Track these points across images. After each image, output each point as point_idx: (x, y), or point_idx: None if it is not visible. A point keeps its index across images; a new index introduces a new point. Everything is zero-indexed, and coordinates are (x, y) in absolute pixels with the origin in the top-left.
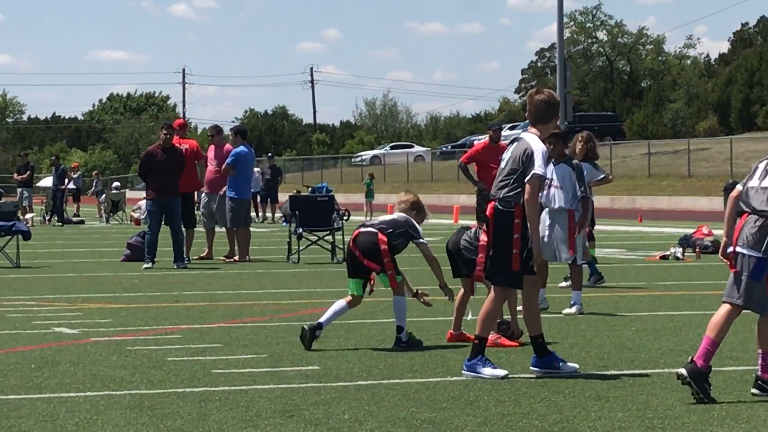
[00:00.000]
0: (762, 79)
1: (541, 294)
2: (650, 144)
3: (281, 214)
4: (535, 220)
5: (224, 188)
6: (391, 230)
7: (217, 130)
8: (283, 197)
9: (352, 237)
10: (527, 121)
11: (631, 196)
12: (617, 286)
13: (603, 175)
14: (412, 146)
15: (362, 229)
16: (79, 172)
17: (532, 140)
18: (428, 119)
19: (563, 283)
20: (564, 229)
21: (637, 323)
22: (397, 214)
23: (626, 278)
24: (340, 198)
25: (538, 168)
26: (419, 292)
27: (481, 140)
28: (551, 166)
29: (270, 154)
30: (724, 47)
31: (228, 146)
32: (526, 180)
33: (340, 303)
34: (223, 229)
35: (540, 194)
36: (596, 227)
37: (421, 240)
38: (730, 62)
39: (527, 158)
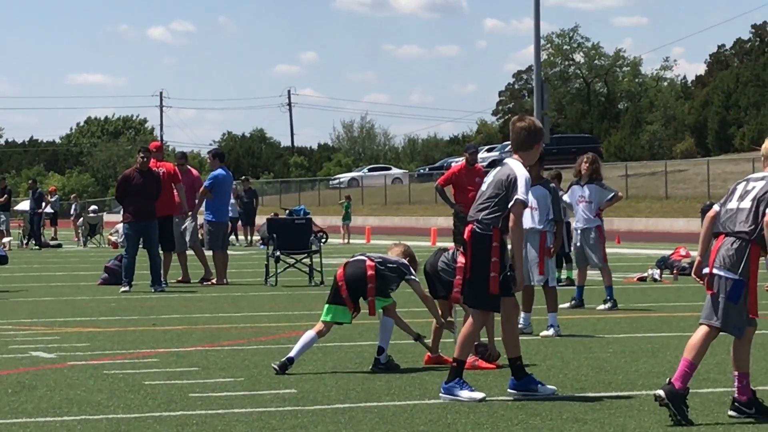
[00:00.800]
0: (738, 100)
1: (526, 318)
2: (627, 166)
3: (258, 237)
4: (519, 246)
5: (186, 211)
6: (381, 260)
7: (184, 157)
8: (260, 220)
9: (343, 265)
10: (505, 143)
11: (609, 217)
12: (594, 308)
13: (613, 193)
14: (389, 168)
15: (351, 259)
16: (57, 196)
17: (516, 166)
18: (406, 141)
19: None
20: (535, 250)
21: (614, 345)
22: (389, 255)
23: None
24: (318, 220)
25: (521, 194)
26: (420, 337)
27: (458, 162)
28: None
29: (245, 177)
30: (701, 69)
31: (194, 172)
32: (509, 205)
33: (309, 334)
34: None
35: None
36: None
37: (413, 277)
38: (707, 84)
39: (510, 184)
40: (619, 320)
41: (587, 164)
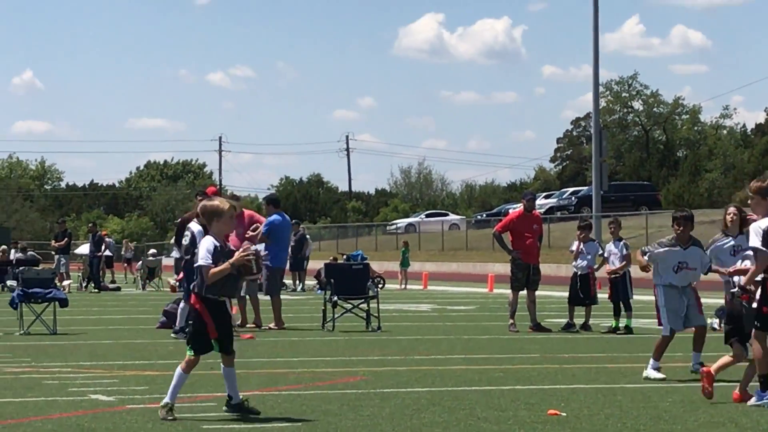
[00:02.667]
0: None
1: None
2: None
3: (314, 282)
4: None
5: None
6: None
7: (235, 199)
8: (317, 265)
9: None
10: (563, 190)
11: None
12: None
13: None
14: (447, 214)
15: None
16: (111, 239)
17: None
18: (463, 187)
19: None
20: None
21: (673, 394)
22: None
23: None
24: (375, 266)
25: None
26: None
27: (516, 209)
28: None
29: (295, 221)
30: (761, 117)
31: (248, 212)
32: None
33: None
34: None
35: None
36: (635, 297)
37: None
38: (767, 132)
39: None
40: (678, 369)
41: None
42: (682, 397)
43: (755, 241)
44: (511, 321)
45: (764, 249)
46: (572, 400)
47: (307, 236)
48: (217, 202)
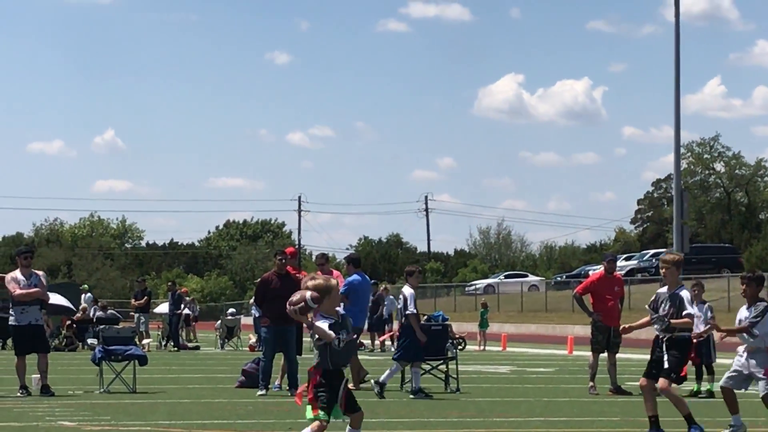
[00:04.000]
0: None
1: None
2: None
3: (390, 342)
4: None
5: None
6: None
7: (325, 258)
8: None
9: None
10: (643, 252)
11: None
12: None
13: None
14: (526, 275)
15: None
16: (189, 298)
17: None
18: (542, 248)
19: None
20: None
21: None
22: None
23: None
24: (454, 326)
25: None
26: None
27: (597, 271)
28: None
29: (374, 282)
30: None
31: (336, 273)
32: None
33: None
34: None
35: None
36: (718, 360)
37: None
38: None
39: None
40: None
41: None
42: None
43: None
44: (591, 384)
45: None
46: None
47: (392, 296)
48: (321, 280)
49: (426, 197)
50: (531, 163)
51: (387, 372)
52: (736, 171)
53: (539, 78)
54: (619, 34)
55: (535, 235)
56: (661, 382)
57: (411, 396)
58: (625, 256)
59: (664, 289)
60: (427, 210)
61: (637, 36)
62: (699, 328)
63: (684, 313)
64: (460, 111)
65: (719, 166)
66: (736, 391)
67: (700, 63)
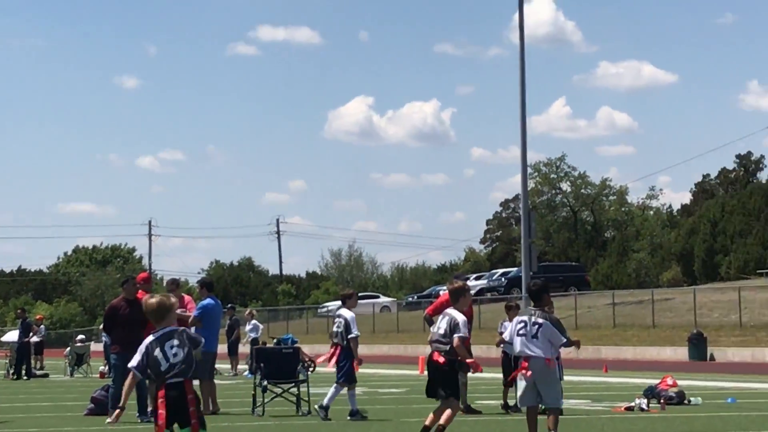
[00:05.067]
0: (725, 229)
1: None
2: (614, 294)
3: (245, 366)
4: None
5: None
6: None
7: (175, 284)
8: (246, 348)
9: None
10: (493, 271)
11: (596, 346)
12: None
13: None
14: (377, 296)
15: None
16: (43, 326)
17: None
18: (394, 269)
19: None
20: None
21: None
22: None
23: (592, 430)
24: (306, 349)
25: None
26: None
27: (446, 291)
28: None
29: (231, 305)
30: (686, 198)
31: (187, 298)
32: None
33: None
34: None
35: None
36: (564, 378)
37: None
38: (693, 213)
39: None
40: None
41: None
42: None
43: None
44: None
45: None
46: None
47: (255, 321)
48: (156, 299)
49: (277, 220)
50: (381, 184)
51: (329, 394)
52: (582, 190)
53: (388, 100)
54: (466, 56)
55: (386, 255)
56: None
57: (348, 418)
58: (474, 275)
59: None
60: (278, 232)
61: (484, 58)
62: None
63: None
64: (311, 133)
65: (565, 186)
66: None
67: (545, 84)
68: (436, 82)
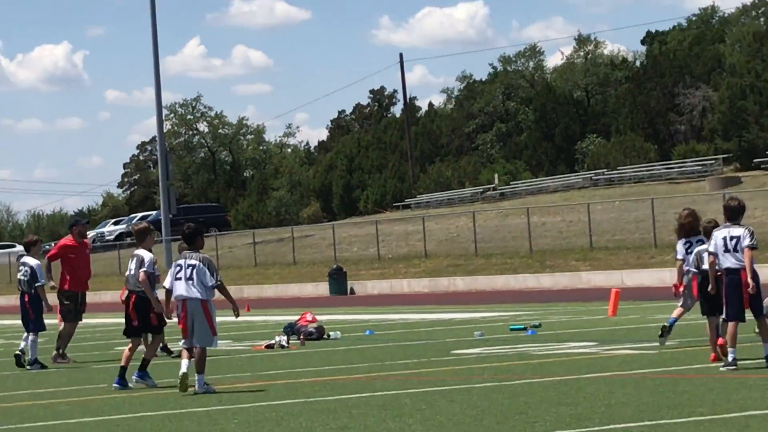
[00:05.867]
0: (361, 164)
1: None
2: (255, 233)
3: None
4: None
5: None
6: None
7: None
8: None
9: None
10: (132, 215)
11: (239, 285)
12: (223, 378)
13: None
14: (14, 246)
15: None
16: None
17: None
18: (30, 217)
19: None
20: None
21: (240, 415)
22: None
23: (232, 369)
24: None
25: None
26: None
27: (67, 236)
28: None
29: None
30: (324, 135)
31: None
32: None
33: None
34: None
35: None
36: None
37: None
38: (330, 149)
39: None
40: (246, 390)
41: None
42: (249, 417)
43: None
44: (56, 353)
45: None
46: (139, 429)
47: None
48: None
49: None
50: (14, 131)
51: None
52: (219, 130)
53: (18, 43)
54: None
55: (22, 204)
56: None
57: (28, 367)
58: (113, 220)
59: None
60: None
61: None
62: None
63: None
64: None
65: (203, 126)
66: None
67: (178, 24)
68: (65, 23)
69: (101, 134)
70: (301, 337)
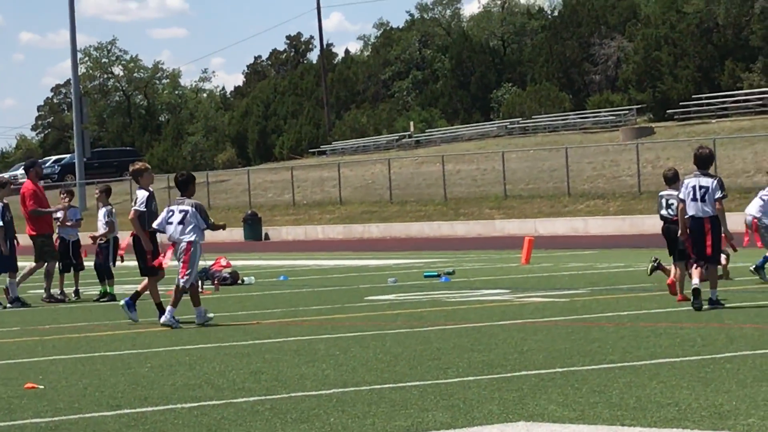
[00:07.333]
0: (277, 110)
1: None
2: (170, 178)
3: None
4: None
5: None
6: None
7: None
8: None
9: None
10: (46, 158)
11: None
12: (139, 323)
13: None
14: None
15: None
16: None
17: None
18: None
19: None
20: None
21: (153, 359)
22: None
23: (145, 314)
24: None
25: None
26: None
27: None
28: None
29: None
30: (240, 80)
31: None
32: None
33: None
34: None
35: None
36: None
37: None
38: (246, 94)
39: None
40: (158, 334)
41: None
42: (162, 361)
43: None
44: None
45: None
46: (51, 372)
47: None
48: None
49: None
50: None
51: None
52: (135, 74)
53: None
54: None
55: None
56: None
57: (9, 306)
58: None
59: None
60: None
61: None
62: (101, 231)
63: None
64: None
65: (118, 70)
66: None
67: None
68: None
69: (15, 76)
70: (215, 281)
